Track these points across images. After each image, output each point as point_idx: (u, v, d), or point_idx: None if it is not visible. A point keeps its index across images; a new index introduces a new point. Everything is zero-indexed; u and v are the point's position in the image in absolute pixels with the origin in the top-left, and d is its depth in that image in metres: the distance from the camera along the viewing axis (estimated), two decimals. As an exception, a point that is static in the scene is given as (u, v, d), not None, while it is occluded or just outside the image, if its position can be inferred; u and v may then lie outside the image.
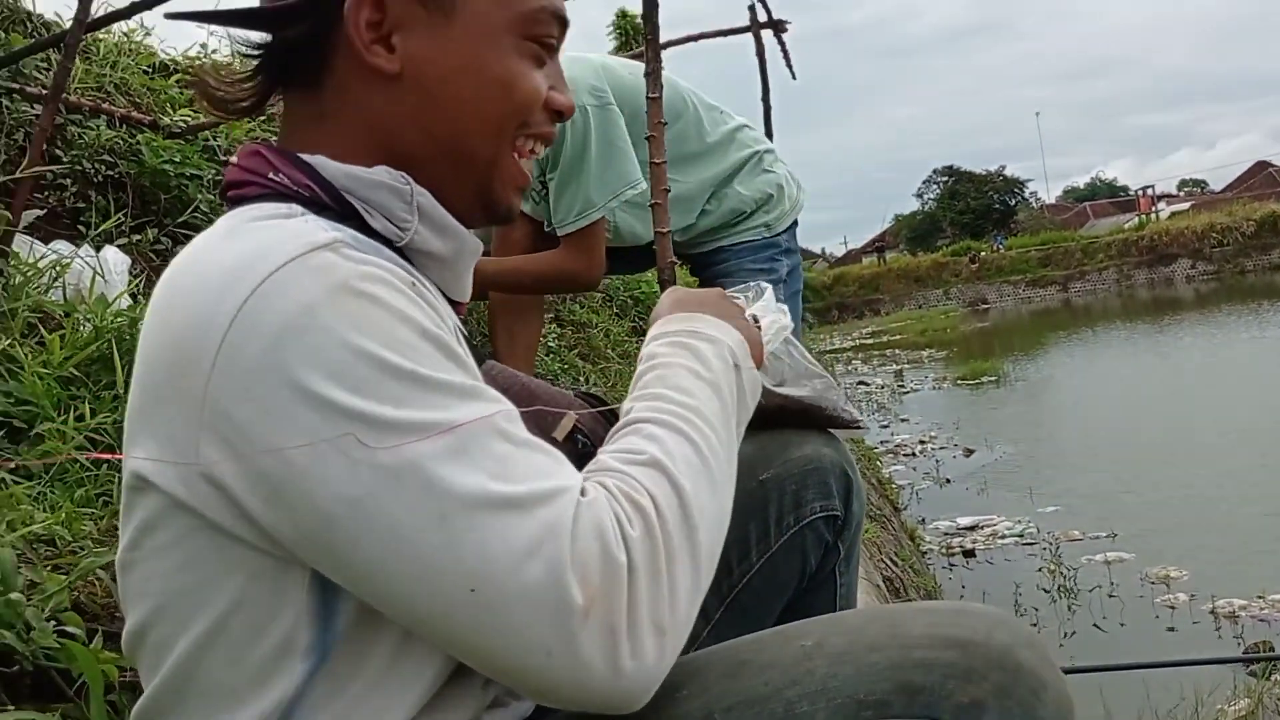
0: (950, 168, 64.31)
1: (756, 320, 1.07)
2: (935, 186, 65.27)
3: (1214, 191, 74.29)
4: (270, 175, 0.88)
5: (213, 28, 3.83)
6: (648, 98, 2.05)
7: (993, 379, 18.02)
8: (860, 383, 19.91)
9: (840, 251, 77.61)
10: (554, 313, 5.03)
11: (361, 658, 0.79)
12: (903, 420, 14.98)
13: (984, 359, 20.34)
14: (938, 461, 11.25)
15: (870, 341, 31.89)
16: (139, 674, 0.85)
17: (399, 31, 0.90)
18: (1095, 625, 5.84)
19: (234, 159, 0.92)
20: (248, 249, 0.77)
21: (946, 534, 8.19)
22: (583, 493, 0.77)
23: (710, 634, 1.14)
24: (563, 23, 0.97)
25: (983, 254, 47.51)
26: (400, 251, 0.89)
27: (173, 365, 0.76)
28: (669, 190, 2.08)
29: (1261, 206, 44.69)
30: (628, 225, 2.43)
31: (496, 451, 0.75)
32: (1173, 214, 52.29)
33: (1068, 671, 3.74)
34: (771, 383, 1.11)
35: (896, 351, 26.93)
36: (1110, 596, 6.30)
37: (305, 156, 0.89)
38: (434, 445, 0.73)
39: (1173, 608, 6.02)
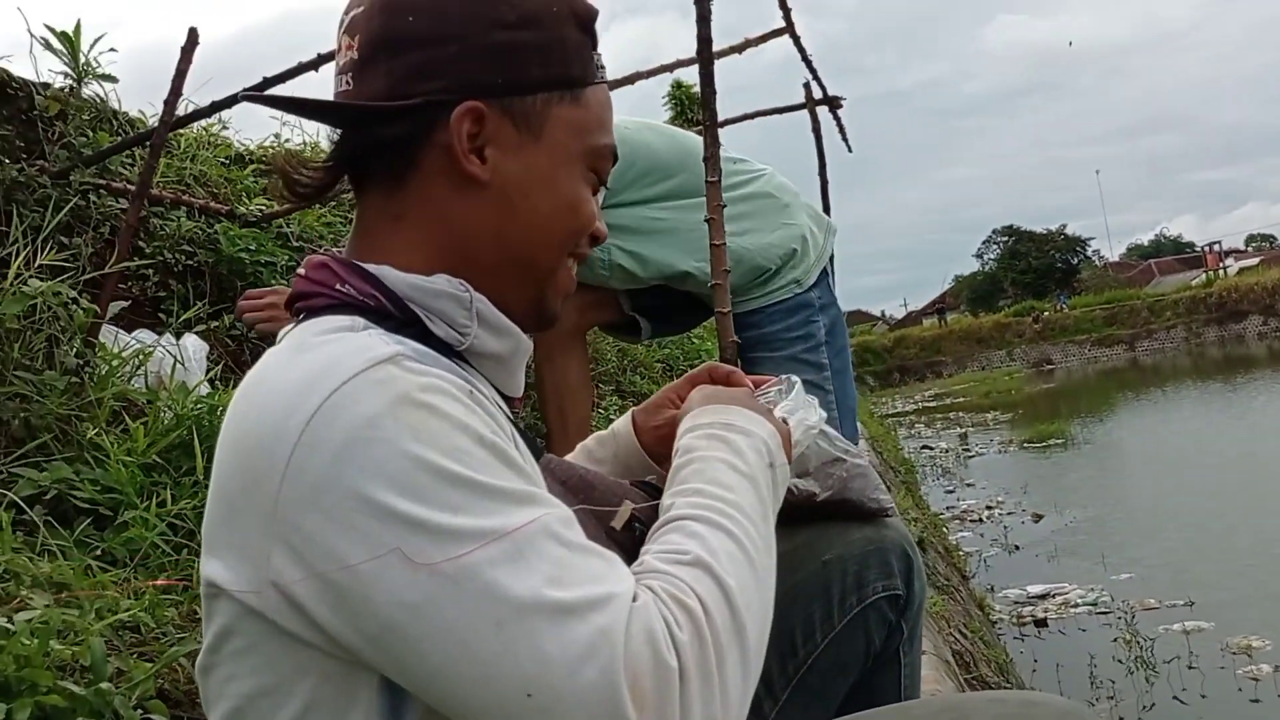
0: (1010, 227, 63.89)
1: (785, 421, 1.10)
2: (995, 246, 64.83)
3: (1284, 246, 72.81)
4: (337, 286, 0.93)
5: (287, 118, 3.99)
6: (706, 181, 2.09)
7: (1060, 441, 17.67)
8: (924, 447, 19.64)
9: (900, 313, 77.11)
10: (615, 384, 5.08)
11: None
12: (968, 485, 14.72)
13: (1050, 421, 19.97)
14: (1006, 528, 11.01)
15: (933, 404, 31.50)
16: None
17: (491, 146, 0.97)
18: (1175, 698, 5.65)
19: (301, 271, 0.98)
20: (314, 364, 0.82)
21: (1017, 603, 7.99)
22: (634, 597, 0.79)
23: (778, 716, 1.15)
24: (615, 160, 1.07)
25: (1046, 314, 46.90)
26: (460, 355, 0.94)
27: (245, 479, 0.80)
28: (729, 271, 2.10)
29: (1334, 260, 43.69)
30: (628, 262, 2.41)
31: (552, 555, 0.78)
32: (1241, 270, 51.27)
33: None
34: (794, 474, 1.14)
35: (960, 414, 26.56)
36: (1190, 668, 6.10)
37: (370, 267, 0.94)
38: (491, 552, 0.76)
39: (1256, 679, 5.80)
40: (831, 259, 2.72)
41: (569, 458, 1.30)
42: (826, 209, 3.34)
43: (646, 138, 2.40)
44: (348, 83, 0.98)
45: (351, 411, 0.77)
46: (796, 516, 1.08)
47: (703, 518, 0.89)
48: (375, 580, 0.75)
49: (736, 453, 0.98)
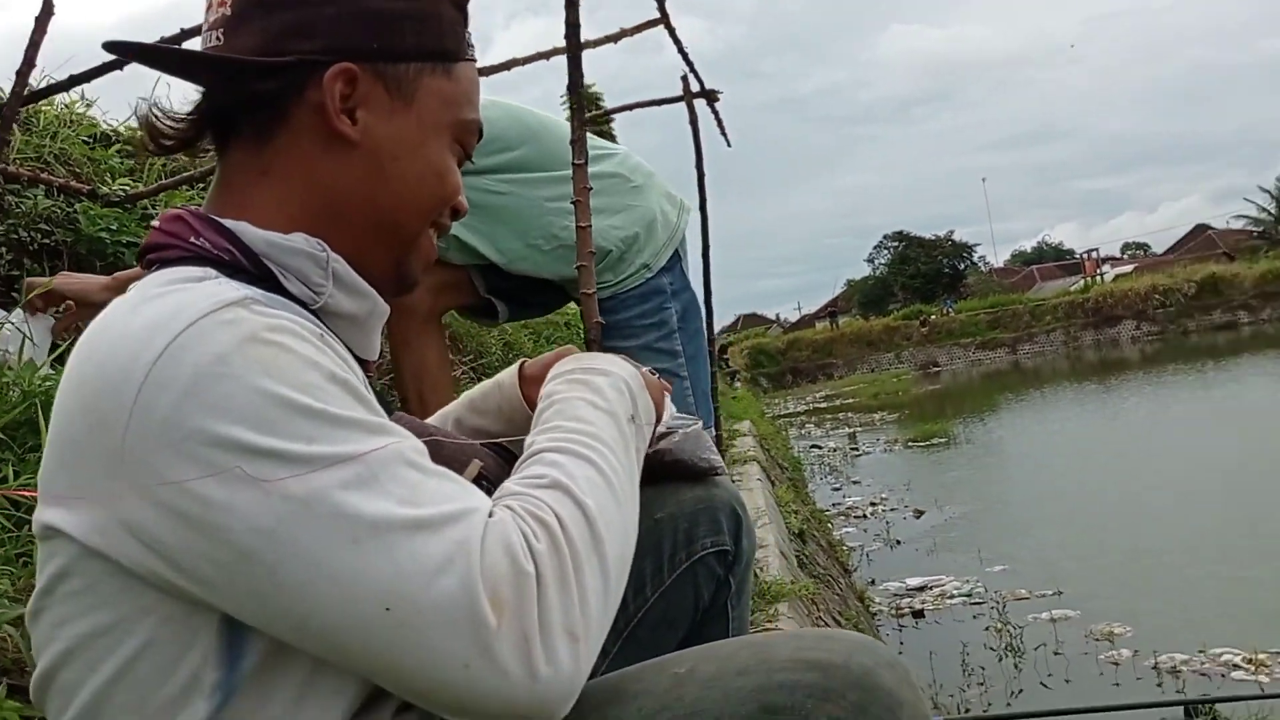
0: (900, 233, 65.27)
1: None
2: (886, 251, 66.20)
3: (1156, 254, 76.06)
4: (191, 239, 0.93)
5: (155, 94, 3.88)
6: (573, 164, 2.07)
7: (943, 440, 18.22)
8: (813, 446, 20.02)
9: (795, 316, 78.35)
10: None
11: (266, 698, 0.82)
12: (855, 483, 15.08)
13: (935, 421, 20.58)
14: (888, 523, 11.32)
15: (824, 405, 32.11)
16: (47, 718, 0.87)
17: (363, 108, 0.99)
18: (1042, 683, 5.88)
19: (156, 223, 0.98)
20: (161, 309, 0.82)
21: (896, 595, 8.23)
22: (490, 515, 0.81)
23: (608, 667, 1.18)
24: (480, 136, 1.11)
25: (933, 317, 48.16)
26: (314, 314, 0.94)
27: (90, 420, 0.80)
28: (594, 252, 2.08)
29: (1202, 268, 45.91)
30: (464, 234, 2.38)
31: (405, 478, 0.79)
32: (1117, 276, 53.41)
33: (998, 719, 3.82)
34: None
35: (850, 414, 27.13)
36: (1055, 654, 6.36)
37: (227, 222, 0.94)
38: (342, 474, 0.77)
39: (1116, 664, 6.08)
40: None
41: (445, 410, 1.29)
42: (703, 202, 3.36)
43: (487, 112, 2.37)
44: (218, 38, 0.98)
45: (199, 350, 0.78)
46: None
47: (562, 448, 0.92)
48: (228, 510, 0.75)
49: (596, 391, 1.02)
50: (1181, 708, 5.10)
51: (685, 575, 1.23)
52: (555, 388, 1.04)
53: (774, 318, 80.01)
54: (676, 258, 2.58)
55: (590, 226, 2.05)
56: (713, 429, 2.56)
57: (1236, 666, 5.70)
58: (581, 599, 0.80)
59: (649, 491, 1.19)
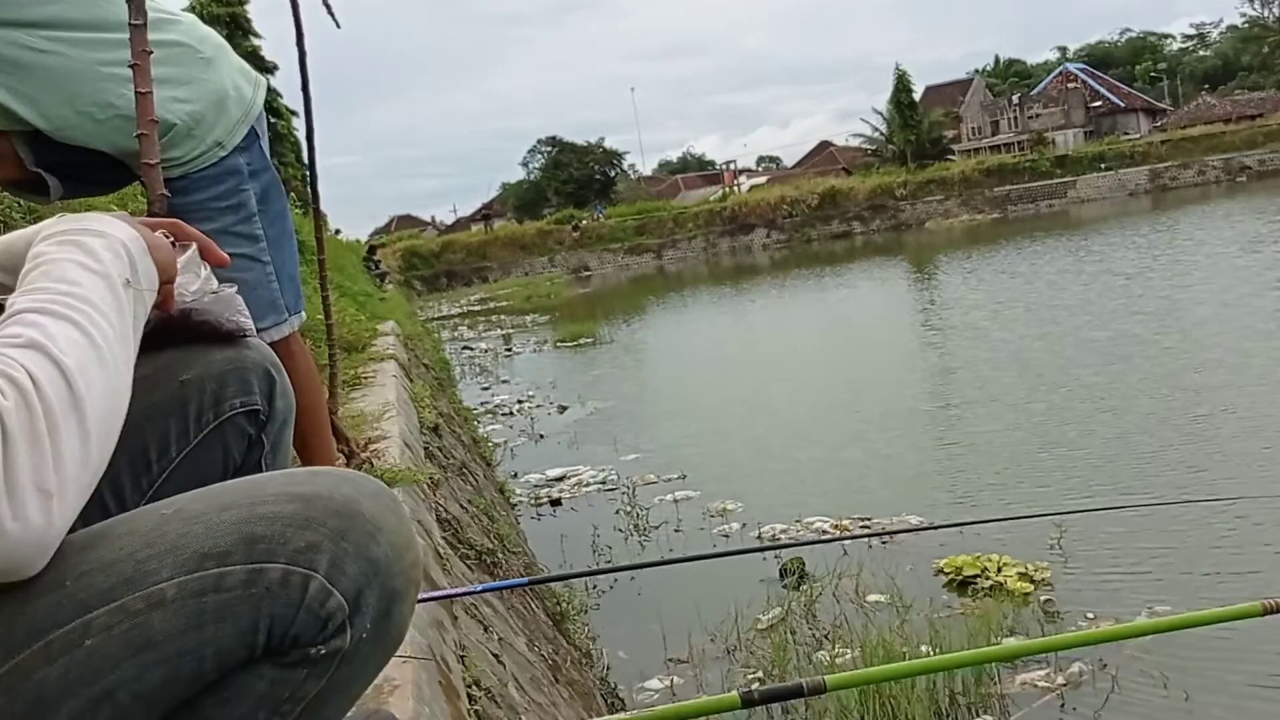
0: (554, 138, 65.76)
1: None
2: (540, 156, 66.59)
3: (787, 168, 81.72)
4: None
5: None
6: (130, 24, 1.88)
7: (589, 341, 18.95)
8: (465, 347, 20.18)
9: (451, 219, 77.45)
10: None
11: None
12: (504, 382, 15.42)
13: (583, 322, 21.32)
14: (533, 420, 11.74)
15: (478, 308, 32.30)
16: None
17: None
18: (663, 557, 6.39)
19: None
20: None
21: (537, 486, 8.60)
22: None
23: None
24: None
25: (584, 222, 49.35)
26: None
27: None
28: (156, 121, 1.92)
29: (823, 181, 50.14)
30: (4, 99, 2.11)
31: None
32: (752, 187, 57.00)
33: (598, 572, 4.17)
34: None
35: (503, 317, 27.51)
36: (676, 531, 6.94)
37: None
38: None
39: (727, 535, 6.73)
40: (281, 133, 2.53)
41: None
42: (305, 82, 3.22)
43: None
44: None
45: None
46: (158, 344, 1.09)
47: (43, 309, 0.88)
48: None
49: (88, 253, 0.97)
50: (779, 571, 5.80)
51: (213, 435, 1.20)
52: (44, 249, 0.98)
53: (429, 220, 78.69)
54: (254, 135, 2.41)
55: (151, 93, 1.89)
56: (303, 314, 2.48)
57: (825, 532, 6.48)
58: (56, 456, 0.79)
59: (176, 354, 1.16)
